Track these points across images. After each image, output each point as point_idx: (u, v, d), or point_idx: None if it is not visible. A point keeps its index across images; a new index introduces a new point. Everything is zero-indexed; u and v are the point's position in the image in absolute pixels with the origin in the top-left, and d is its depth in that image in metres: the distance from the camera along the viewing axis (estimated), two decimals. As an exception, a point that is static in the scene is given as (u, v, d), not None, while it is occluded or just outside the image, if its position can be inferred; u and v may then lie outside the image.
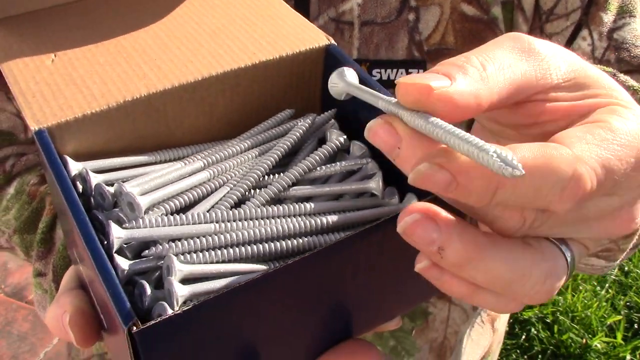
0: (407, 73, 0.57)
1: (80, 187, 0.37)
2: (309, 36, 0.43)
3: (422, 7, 0.55)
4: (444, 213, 0.26)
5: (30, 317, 1.65)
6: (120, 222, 0.34)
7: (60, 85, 0.39)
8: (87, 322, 0.36)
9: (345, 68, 0.31)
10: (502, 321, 0.77)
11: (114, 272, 0.28)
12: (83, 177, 0.36)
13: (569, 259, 0.29)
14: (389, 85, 0.57)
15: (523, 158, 0.24)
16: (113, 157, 0.39)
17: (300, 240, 0.35)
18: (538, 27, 0.58)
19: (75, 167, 0.37)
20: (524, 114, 0.29)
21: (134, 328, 0.26)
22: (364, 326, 0.39)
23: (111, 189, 0.35)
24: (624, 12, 0.56)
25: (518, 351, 1.59)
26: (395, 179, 0.37)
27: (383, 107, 0.28)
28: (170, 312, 0.28)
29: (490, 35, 0.57)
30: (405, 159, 0.26)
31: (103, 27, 0.44)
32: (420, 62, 0.57)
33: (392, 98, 0.27)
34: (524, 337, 1.62)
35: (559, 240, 0.29)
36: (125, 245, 0.33)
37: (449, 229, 0.25)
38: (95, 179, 0.36)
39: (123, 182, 0.36)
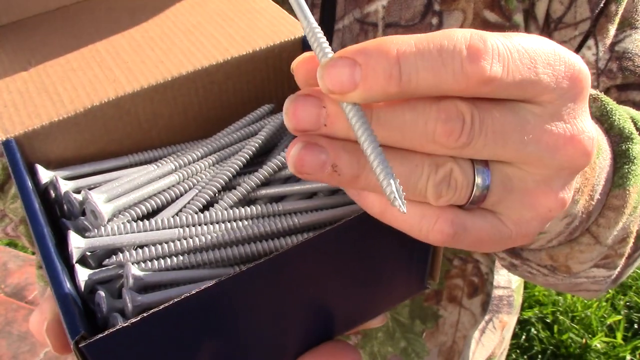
0: None
1: (53, 195, 0.37)
2: (285, 28, 0.42)
3: (445, 11, 0.55)
4: (322, 137, 0.26)
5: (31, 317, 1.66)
6: (85, 230, 0.33)
7: (32, 94, 0.39)
8: (64, 330, 0.36)
9: None
10: (509, 329, 0.76)
11: (65, 285, 0.28)
12: (55, 185, 0.36)
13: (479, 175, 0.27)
14: None
15: (418, 36, 0.24)
16: (87, 162, 0.38)
17: (270, 243, 0.34)
18: (547, 34, 0.57)
19: (46, 175, 0.36)
20: None
21: (82, 342, 0.26)
22: (346, 326, 0.38)
23: (79, 197, 0.35)
24: (625, 26, 0.55)
25: (518, 351, 1.57)
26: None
27: (303, 27, 0.26)
28: (120, 323, 0.28)
29: None
30: (335, 117, 0.25)
31: (82, 32, 0.44)
32: None
33: (320, 32, 0.26)
34: (524, 337, 1.60)
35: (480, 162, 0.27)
36: (89, 254, 0.33)
37: (333, 145, 0.25)
38: (65, 187, 0.36)
39: (92, 188, 0.36)
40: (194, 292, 0.27)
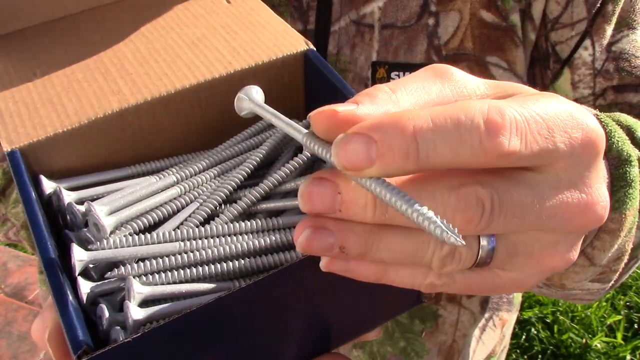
0: None
1: (56, 205, 0.37)
2: (288, 42, 0.42)
3: (442, 12, 0.56)
4: (331, 219, 0.26)
5: (30, 317, 1.66)
6: (88, 242, 0.34)
7: (37, 104, 0.39)
8: (64, 339, 0.36)
9: (253, 88, 0.30)
10: (509, 326, 0.76)
11: (68, 297, 0.29)
12: (58, 196, 0.37)
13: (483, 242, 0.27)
14: None
15: (435, 110, 0.23)
16: (91, 173, 0.39)
17: (270, 257, 0.34)
18: (543, 35, 0.57)
19: (49, 186, 0.37)
20: None
21: (84, 356, 0.27)
22: (342, 339, 0.38)
23: (82, 208, 0.35)
24: (622, 26, 0.55)
25: (518, 351, 1.57)
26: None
27: (298, 139, 0.27)
28: (121, 337, 0.28)
29: (508, 41, 0.56)
30: (350, 203, 0.25)
31: (87, 41, 0.45)
32: None
33: (303, 129, 0.26)
34: (524, 337, 1.61)
35: None
36: (91, 266, 0.33)
37: (341, 228, 0.26)
38: (68, 198, 0.36)
39: (95, 199, 0.36)
40: (194, 308, 0.28)
